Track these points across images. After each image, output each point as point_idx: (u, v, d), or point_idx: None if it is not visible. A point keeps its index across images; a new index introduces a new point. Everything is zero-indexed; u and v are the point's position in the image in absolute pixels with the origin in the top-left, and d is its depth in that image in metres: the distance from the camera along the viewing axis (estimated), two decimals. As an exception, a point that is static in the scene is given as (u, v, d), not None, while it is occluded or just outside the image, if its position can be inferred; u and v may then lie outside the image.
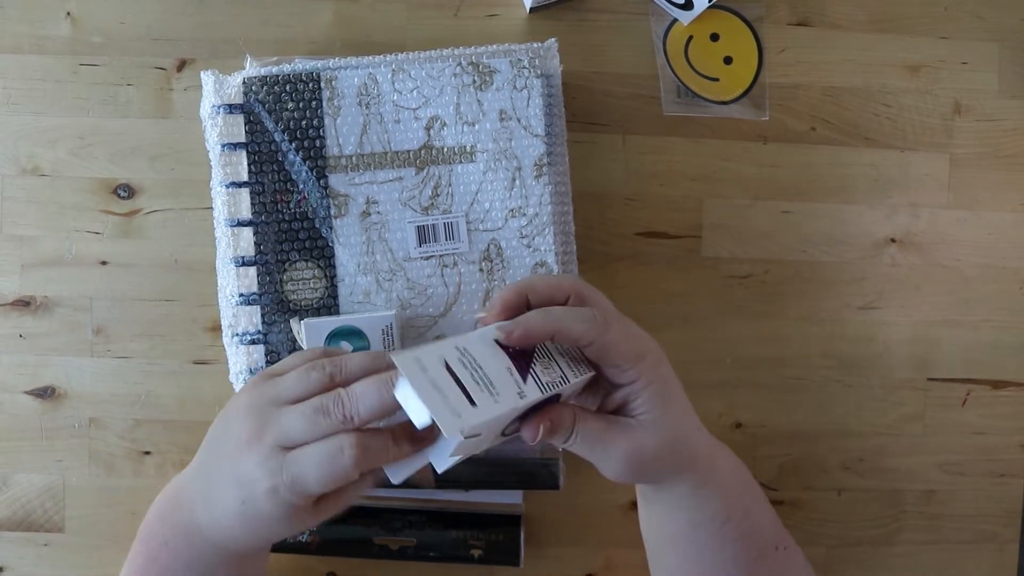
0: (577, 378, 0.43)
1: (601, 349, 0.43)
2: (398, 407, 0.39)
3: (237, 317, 0.54)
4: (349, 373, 0.42)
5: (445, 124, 0.55)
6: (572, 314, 0.42)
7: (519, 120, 0.55)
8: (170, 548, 0.46)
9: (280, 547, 0.56)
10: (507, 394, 0.39)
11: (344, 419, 0.40)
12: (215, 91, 0.53)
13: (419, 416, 0.38)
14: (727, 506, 0.47)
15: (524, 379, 0.41)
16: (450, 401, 0.37)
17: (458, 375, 0.38)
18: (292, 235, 0.54)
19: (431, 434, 0.41)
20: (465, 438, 0.37)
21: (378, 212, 0.54)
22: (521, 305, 0.44)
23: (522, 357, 0.42)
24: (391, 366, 0.40)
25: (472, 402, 0.38)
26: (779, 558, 0.49)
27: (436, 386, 0.38)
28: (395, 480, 0.42)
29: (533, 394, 0.40)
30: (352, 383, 0.41)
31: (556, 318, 0.42)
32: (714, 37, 0.60)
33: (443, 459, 0.41)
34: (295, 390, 0.42)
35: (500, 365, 0.40)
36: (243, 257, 0.54)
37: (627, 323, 0.45)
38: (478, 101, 0.55)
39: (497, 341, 0.41)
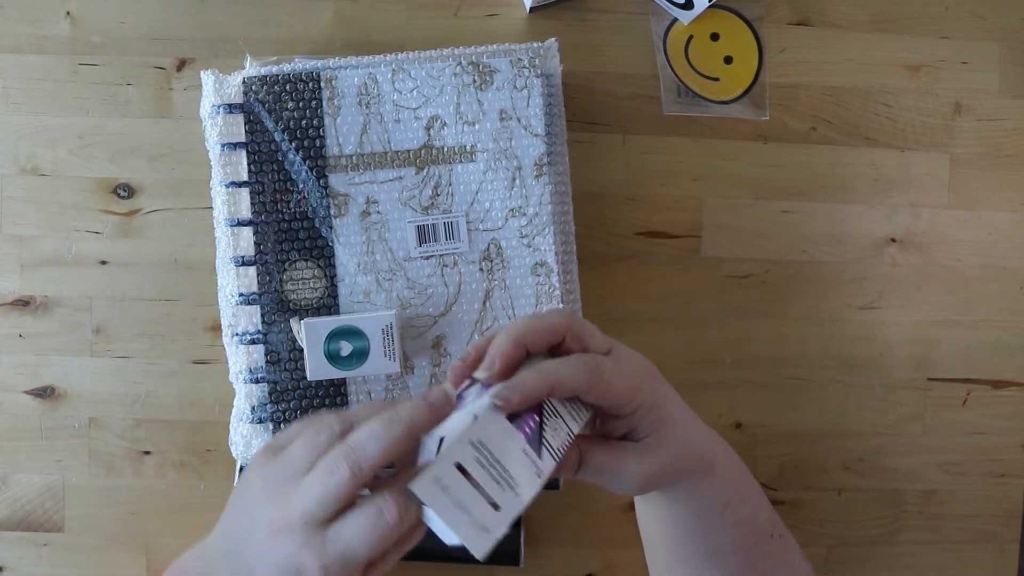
0: (580, 427, 0.43)
1: (599, 395, 0.42)
2: (407, 450, 0.39)
3: (237, 317, 0.54)
4: (356, 423, 0.40)
5: (445, 124, 0.54)
6: (566, 367, 0.41)
7: (519, 120, 0.55)
8: None
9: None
10: (527, 482, 0.39)
11: (352, 471, 0.37)
12: (215, 91, 0.53)
13: (448, 538, 0.38)
14: (725, 493, 0.48)
15: (540, 454, 0.40)
16: (475, 517, 0.37)
17: (477, 480, 0.38)
18: (292, 235, 0.54)
19: None
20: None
21: (378, 212, 0.54)
22: (521, 357, 0.43)
23: (532, 424, 0.41)
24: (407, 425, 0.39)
25: (496, 506, 0.38)
26: (775, 545, 0.50)
27: (460, 506, 0.37)
28: (448, 541, 0.39)
29: (548, 466, 0.40)
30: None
31: (551, 374, 0.41)
32: (714, 37, 0.60)
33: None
34: (305, 459, 0.39)
35: (516, 448, 0.39)
36: (243, 257, 0.54)
37: (618, 353, 0.45)
38: (478, 101, 0.55)
39: (509, 418, 0.40)
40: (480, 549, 0.37)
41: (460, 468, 0.38)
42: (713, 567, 0.49)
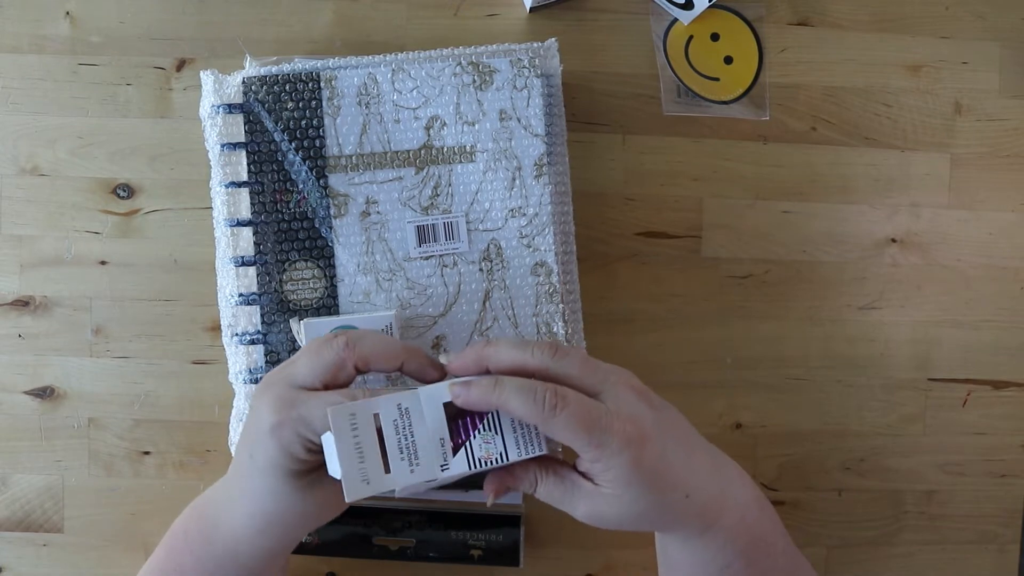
0: (520, 456, 0.42)
1: (548, 432, 0.41)
2: (397, 368, 0.43)
3: (237, 317, 0.54)
4: (361, 342, 0.43)
5: (445, 124, 0.54)
6: (520, 393, 0.40)
7: (519, 120, 0.55)
8: (193, 555, 0.47)
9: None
10: (427, 466, 0.41)
11: (347, 350, 0.42)
12: (215, 91, 0.53)
13: (332, 468, 0.40)
14: (725, 553, 0.45)
15: (455, 452, 0.41)
16: (365, 465, 0.39)
17: (386, 438, 0.40)
18: (292, 235, 0.54)
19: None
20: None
21: (378, 212, 0.54)
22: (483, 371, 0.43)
23: (464, 426, 0.42)
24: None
25: (387, 469, 0.40)
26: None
27: (358, 447, 0.40)
28: (331, 470, 0.41)
29: (459, 468, 0.41)
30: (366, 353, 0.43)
31: (501, 393, 0.41)
32: (714, 37, 0.60)
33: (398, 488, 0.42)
34: (310, 370, 0.43)
35: (435, 434, 0.41)
36: (242, 257, 0.54)
37: (609, 397, 0.42)
38: (478, 101, 0.54)
39: (445, 406, 0.42)
40: (352, 493, 0.39)
41: (376, 424, 0.40)
42: None
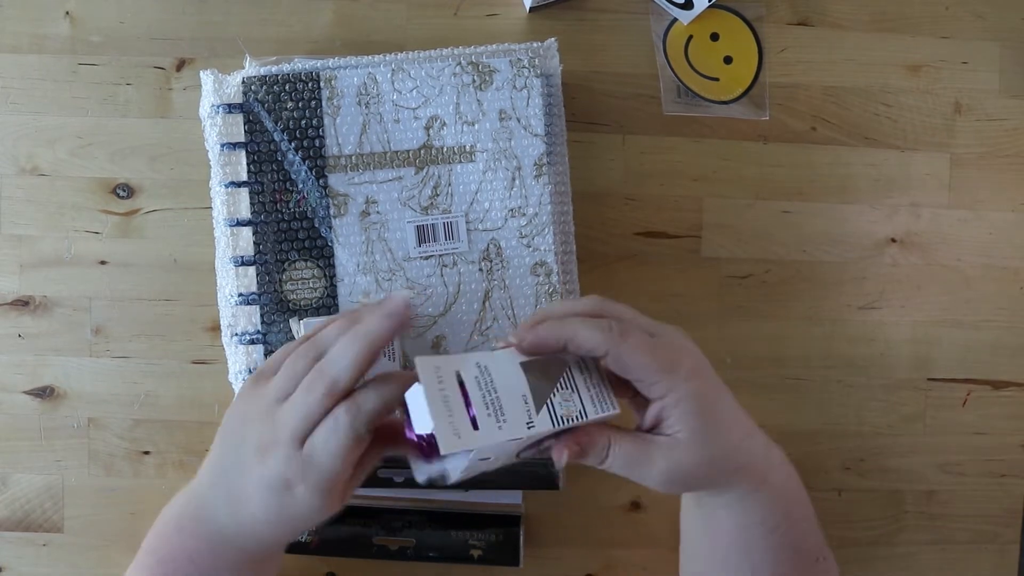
0: (598, 415, 0.42)
1: (618, 360, 0.42)
2: (373, 359, 0.41)
3: (236, 317, 0.54)
4: (328, 346, 0.43)
5: (445, 124, 0.54)
6: (587, 323, 0.42)
7: (519, 120, 0.55)
8: (195, 561, 0.46)
9: (279, 547, 0.56)
10: (515, 423, 0.39)
11: (328, 389, 0.41)
12: (214, 91, 0.53)
13: (422, 424, 0.39)
14: (775, 514, 0.46)
15: (538, 410, 0.40)
16: (454, 419, 0.38)
17: (470, 394, 0.39)
18: (291, 235, 0.54)
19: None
20: (470, 459, 0.38)
21: (377, 212, 0.54)
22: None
23: (544, 385, 0.41)
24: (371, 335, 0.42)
25: (475, 426, 0.38)
26: (818, 570, 0.49)
27: (446, 401, 0.38)
28: (419, 427, 0.40)
29: (544, 426, 0.40)
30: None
31: (568, 326, 0.42)
32: (714, 37, 0.60)
33: (455, 472, 0.41)
34: (287, 386, 0.42)
35: (517, 392, 0.40)
36: (242, 257, 0.54)
37: (662, 334, 0.44)
38: (478, 101, 0.54)
39: (522, 366, 0.41)
40: (447, 445, 0.37)
41: (459, 380, 0.39)
42: None
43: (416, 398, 0.40)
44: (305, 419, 0.41)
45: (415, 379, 0.39)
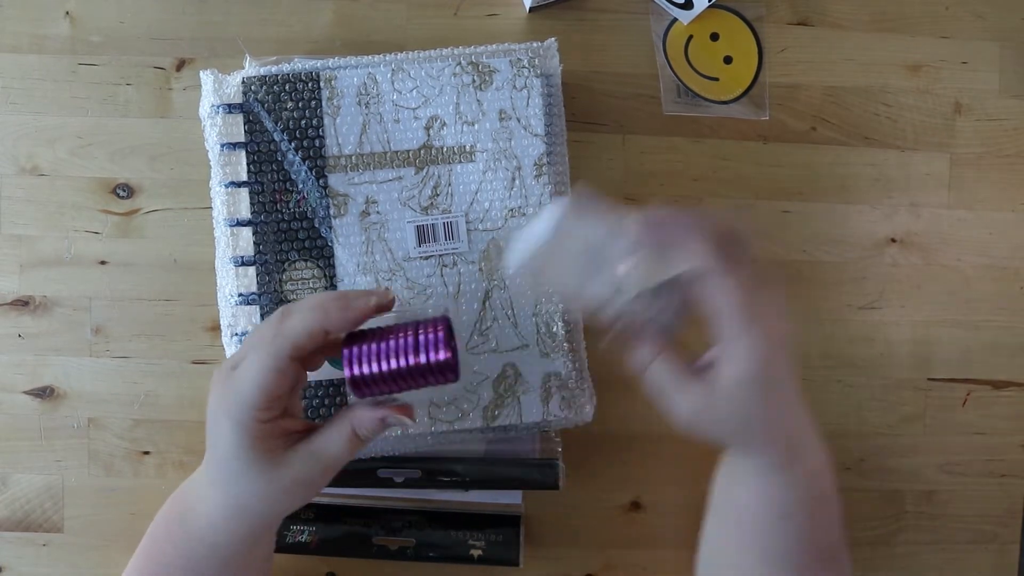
0: (666, 316, 0.44)
1: (707, 288, 0.42)
2: (325, 335, 0.42)
3: (236, 317, 0.54)
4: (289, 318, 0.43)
5: (445, 124, 0.54)
6: (703, 235, 0.42)
7: (519, 120, 0.55)
8: (173, 543, 0.47)
9: (280, 547, 0.56)
10: (596, 280, 0.44)
11: (277, 347, 0.41)
12: (214, 91, 0.53)
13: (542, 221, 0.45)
14: (792, 501, 0.46)
15: (619, 268, 0.43)
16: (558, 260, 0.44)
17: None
18: (291, 235, 0.54)
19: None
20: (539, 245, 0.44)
21: (377, 212, 0.54)
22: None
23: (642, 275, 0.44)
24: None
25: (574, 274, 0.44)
26: (834, 568, 0.49)
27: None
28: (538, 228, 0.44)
29: (629, 290, 0.43)
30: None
31: (689, 231, 0.42)
32: (714, 37, 0.60)
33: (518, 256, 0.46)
34: (240, 351, 0.44)
35: (615, 261, 0.43)
36: (242, 257, 0.54)
37: (764, 291, 0.43)
38: (478, 101, 0.54)
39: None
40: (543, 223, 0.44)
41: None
42: (757, 563, 0.47)
43: (551, 211, 0.45)
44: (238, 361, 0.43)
45: (343, 315, 0.43)
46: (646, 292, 0.43)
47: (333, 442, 0.43)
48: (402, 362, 0.43)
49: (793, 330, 0.44)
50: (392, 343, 0.43)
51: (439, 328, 0.43)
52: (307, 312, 0.42)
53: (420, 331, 0.43)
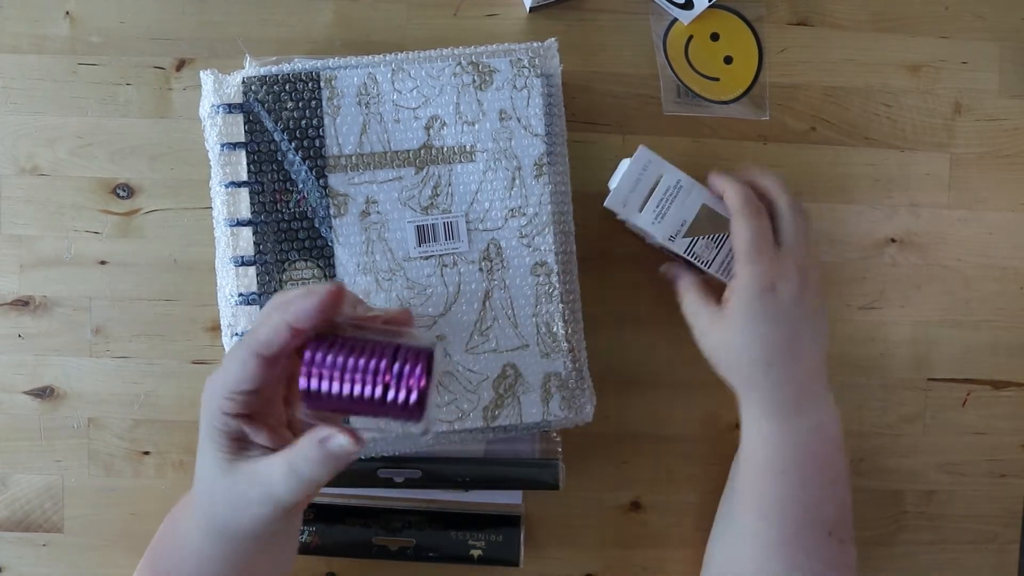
0: (715, 274, 0.53)
1: (732, 226, 0.50)
2: (296, 332, 0.39)
3: (236, 317, 0.54)
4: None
5: (445, 124, 0.54)
6: (738, 187, 0.51)
7: (519, 120, 0.55)
8: (181, 543, 0.47)
9: (279, 547, 0.56)
10: (664, 230, 0.53)
11: (250, 348, 0.39)
12: (214, 91, 0.53)
13: (611, 182, 0.54)
14: (786, 457, 0.48)
15: (684, 236, 0.53)
16: (631, 196, 0.53)
17: (654, 194, 0.53)
18: (291, 235, 0.54)
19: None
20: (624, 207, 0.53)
21: (378, 212, 0.54)
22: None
23: (703, 226, 0.53)
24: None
25: (640, 209, 0.53)
26: (830, 544, 0.49)
27: (636, 182, 0.53)
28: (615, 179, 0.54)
29: (679, 248, 0.53)
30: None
31: (732, 182, 0.51)
32: (714, 37, 0.60)
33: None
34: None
35: (683, 215, 0.53)
36: (242, 257, 0.54)
37: (797, 254, 0.50)
38: (478, 101, 0.54)
39: (703, 204, 0.53)
40: (611, 203, 0.53)
41: (657, 179, 0.53)
42: (755, 518, 0.50)
43: (622, 167, 0.53)
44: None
45: (302, 304, 0.39)
46: (703, 232, 0.53)
47: (271, 472, 0.40)
48: (365, 389, 0.38)
49: (823, 277, 0.51)
50: (361, 360, 0.38)
51: (419, 360, 0.38)
52: (272, 305, 0.40)
53: (398, 357, 0.38)
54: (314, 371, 0.38)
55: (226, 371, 0.40)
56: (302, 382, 0.38)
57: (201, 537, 0.44)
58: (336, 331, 0.40)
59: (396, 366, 0.38)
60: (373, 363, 0.38)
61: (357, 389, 0.38)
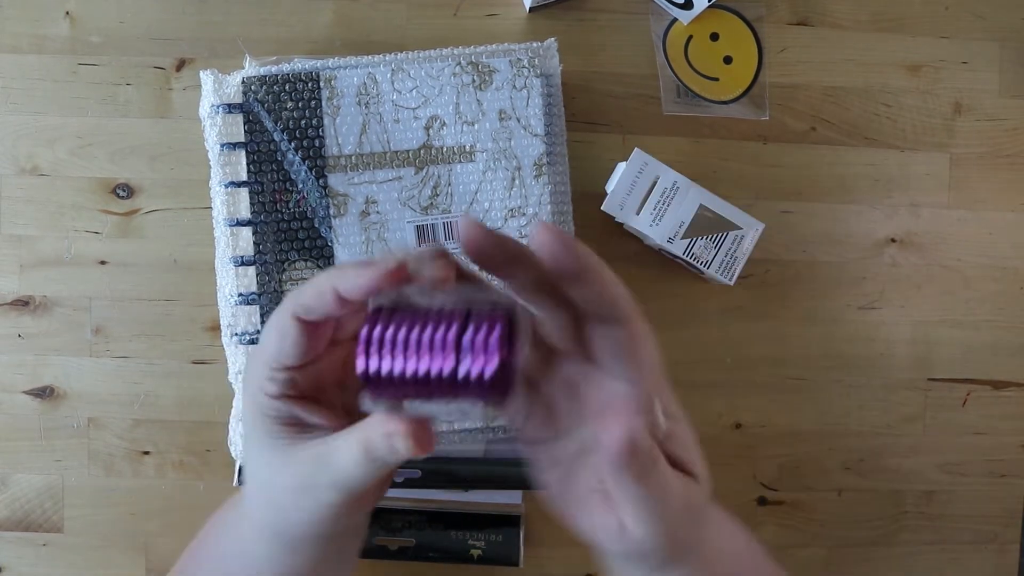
0: (715, 274, 0.55)
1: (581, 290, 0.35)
2: (342, 302, 0.32)
3: (236, 317, 0.54)
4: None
5: (444, 124, 0.54)
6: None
7: (519, 120, 0.55)
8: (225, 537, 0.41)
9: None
10: (662, 232, 0.54)
11: (292, 313, 0.33)
12: (214, 91, 0.53)
13: (608, 186, 0.56)
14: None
15: (683, 238, 0.54)
16: (627, 200, 0.54)
17: (651, 196, 0.54)
18: (291, 235, 0.54)
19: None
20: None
21: (377, 212, 0.54)
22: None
23: (702, 226, 0.54)
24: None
25: (638, 212, 0.54)
26: None
27: (632, 185, 0.54)
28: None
29: (677, 250, 0.54)
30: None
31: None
32: (714, 37, 0.60)
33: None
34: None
35: (680, 217, 0.54)
36: (242, 257, 0.54)
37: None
38: (478, 101, 0.54)
39: (701, 205, 0.54)
40: (609, 207, 0.55)
41: (654, 181, 0.55)
42: None
43: (618, 171, 0.55)
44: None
45: (357, 271, 0.32)
46: (701, 233, 0.54)
47: (340, 453, 0.33)
48: (432, 365, 0.30)
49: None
50: (427, 332, 0.31)
51: (496, 323, 0.30)
52: (326, 273, 0.33)
53: (470, 322, 0.31)
54: (372, 349, 0.31)
55: (265, 345, 0.34)
56: (359, 363, 0.31)
57: (256, 543, 0.37)
58: (399, 303, 0.32)
59: (469, 332, 0.30)
60: (441, 333, 0.30)
61: (423, 366, 0.30)
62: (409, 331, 0.31)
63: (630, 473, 0.32)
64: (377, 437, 0.31)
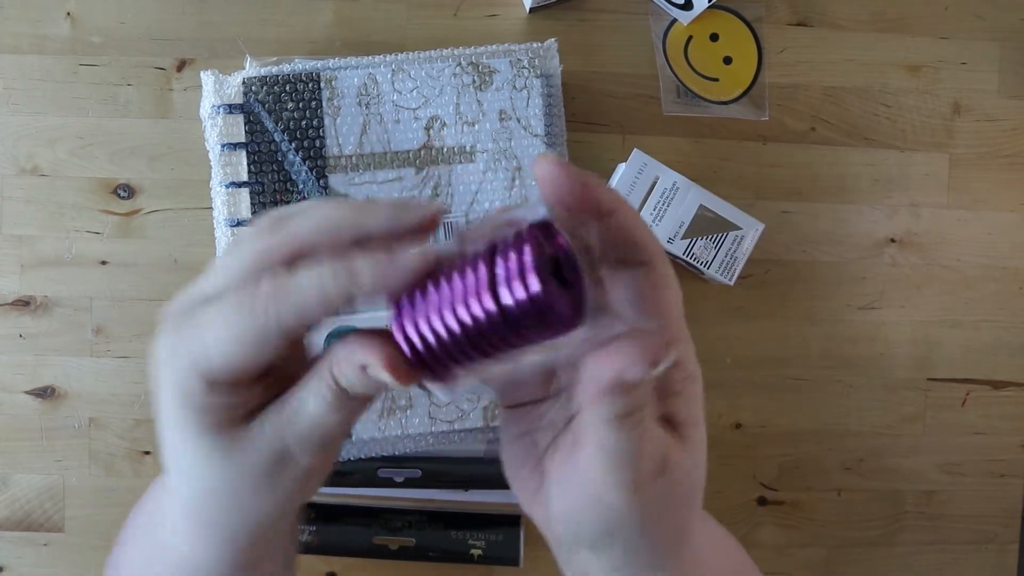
0: (716, 275, 0.56)
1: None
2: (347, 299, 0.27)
3: (237, 317, 0.54)
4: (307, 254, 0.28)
5: (445, 124, 0.55)
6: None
7: (519, 120, 0.55)
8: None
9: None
10: (664, 231, 0.55)
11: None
12: (215, 91, 0.53)
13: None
14: None
15: (683, 238, 0.55)
16: (628, 198, 0.50)
17: (651, 195, 0.55)
18: (292, 235, 0.54)
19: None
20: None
21: (378, 212, 0.54)
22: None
23: (702, 227, 0.55)
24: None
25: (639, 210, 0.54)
26: None
27: (633, 185, 0.54)
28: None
29: (676, 250, 0.55)
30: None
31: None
32: (714, 37, 0.60)
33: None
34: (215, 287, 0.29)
35: (681, 217, 0.54)
36: (243, 257, 0.54)
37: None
38: (478, 101, 0.55)
39: (701, 206, 0.55)
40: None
41: (654, 182, 0.56)
42: None
43: (619, 171, 0.55)
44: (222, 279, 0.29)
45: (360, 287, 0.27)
46: (701, 233, 0.55)
47: (308, 404, 0.27)
48: (473, 309, 0.25)
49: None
50: (454, 285, 0.26)
51: (524, 244, 0.25)
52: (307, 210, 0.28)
53: (498, 255, 0.25)
54: (409, 331, 0.26)
55: (202, 336, 0.27)
56: (405, 351, 0.27)
57: (192, 544, 0.30)
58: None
59: (500, 266, 0.25)
60: (469, 277, 0.26)
61: (464, 314, 0.25)
62: (433, 290, 0.26)
63: (611, 410, 0.26)
64: (350, 372, 0.27)
